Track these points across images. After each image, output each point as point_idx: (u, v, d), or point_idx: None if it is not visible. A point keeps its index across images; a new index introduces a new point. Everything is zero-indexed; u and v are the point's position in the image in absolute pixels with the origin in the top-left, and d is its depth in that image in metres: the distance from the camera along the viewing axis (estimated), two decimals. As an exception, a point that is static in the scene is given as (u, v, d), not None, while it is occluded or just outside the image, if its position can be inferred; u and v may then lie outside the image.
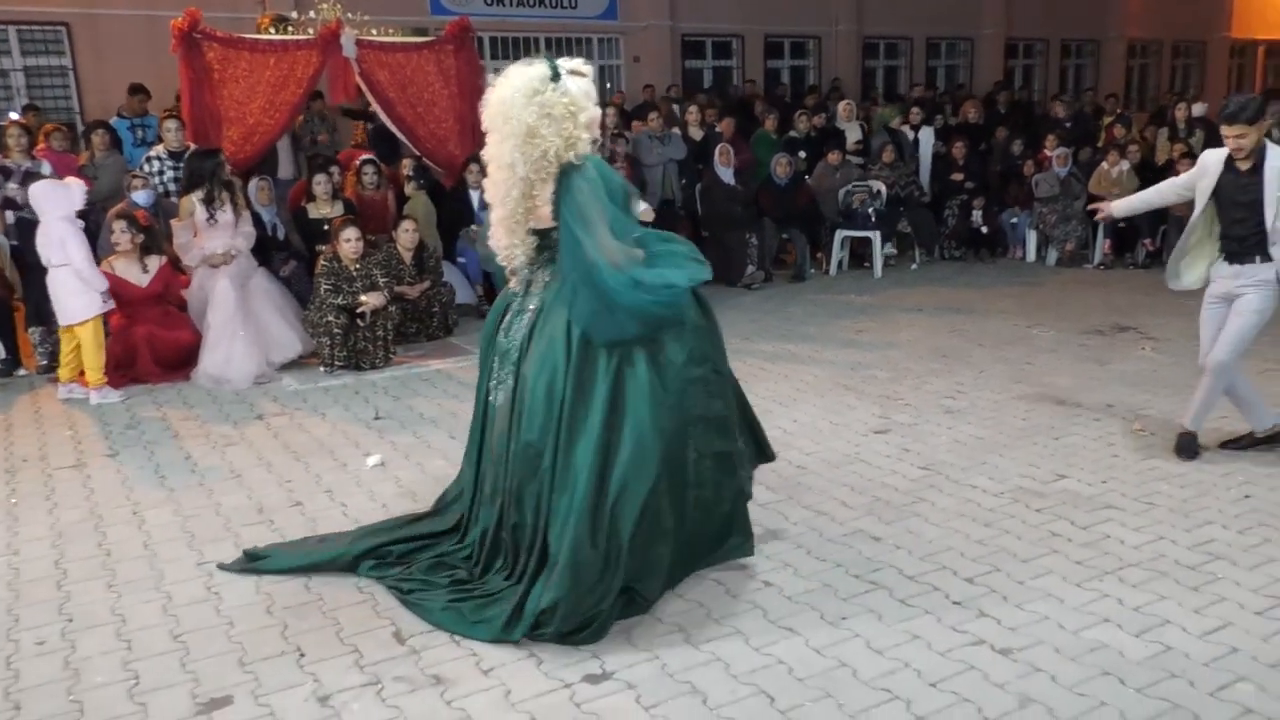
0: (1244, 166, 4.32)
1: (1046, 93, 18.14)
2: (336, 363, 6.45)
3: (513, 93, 3.13)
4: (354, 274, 6.50)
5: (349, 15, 8.54)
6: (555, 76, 3.15)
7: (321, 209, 7.53)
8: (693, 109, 10.40)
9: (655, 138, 9.63)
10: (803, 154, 10.34)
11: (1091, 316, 7.50)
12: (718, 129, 10.13)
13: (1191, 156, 7.73)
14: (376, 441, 5.13)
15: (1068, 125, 11.40)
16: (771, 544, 3.80)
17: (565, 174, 3.14)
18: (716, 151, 9.46)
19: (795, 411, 5.50)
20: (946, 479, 4.45)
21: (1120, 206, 4.93)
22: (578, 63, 3.27)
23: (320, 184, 7.62)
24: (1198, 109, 11.33)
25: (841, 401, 5.66)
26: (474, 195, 8.37)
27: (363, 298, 6.43)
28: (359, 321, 6.46)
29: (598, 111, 3.27)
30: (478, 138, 10.13)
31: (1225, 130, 4.26)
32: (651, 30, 15.30)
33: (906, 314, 7.96)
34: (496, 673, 2.98)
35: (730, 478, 3.40)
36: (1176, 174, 5.71)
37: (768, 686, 2.88)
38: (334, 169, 8.10)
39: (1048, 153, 10.27)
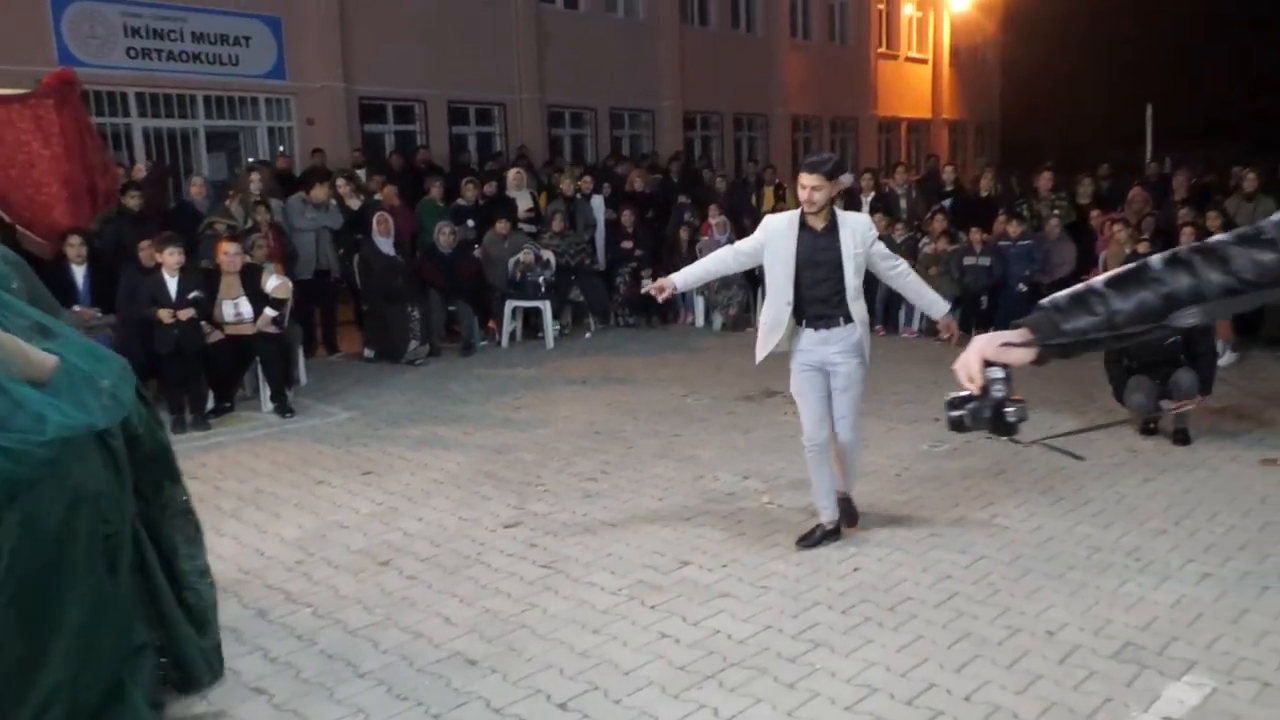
0: (818, 226, 4.21)
1: (723, 163, 19.21)
2: None
3: None
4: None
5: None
6: None
7: None
8: (341, 180, 9.58)
9: (308, 202, 8.93)
10: (471, 222, 10.04)
11: (744, 382, 7.65)
12: (377, 196, 9.59)
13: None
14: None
15: (713, 191, 11.97)
16: (349, 684, 3.27)
17: None
18: (375, 220, 8.91)
19: (424, 508, 5.02)
20: (566, 578, 4.13)
21: (681, 279, 4.49)
22: None
23: None
24: (844, 179, 12.27)
25: (478, 492, 5.25)
26: (78, 272, 7.31)
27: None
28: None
29: None
30: (93, 204, 8.83)
31: (805, 179, 4.13)
32: (325, 92, 14.53)
33: (570, 386, 7.77)
34: None
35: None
36: None
37: None
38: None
39: (710, 221, 10.65)
